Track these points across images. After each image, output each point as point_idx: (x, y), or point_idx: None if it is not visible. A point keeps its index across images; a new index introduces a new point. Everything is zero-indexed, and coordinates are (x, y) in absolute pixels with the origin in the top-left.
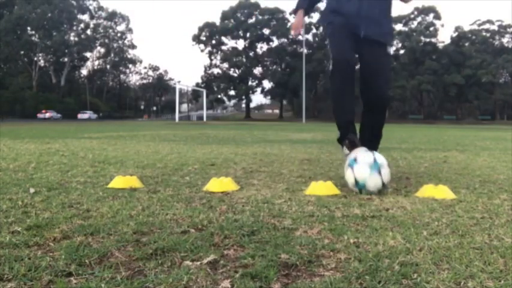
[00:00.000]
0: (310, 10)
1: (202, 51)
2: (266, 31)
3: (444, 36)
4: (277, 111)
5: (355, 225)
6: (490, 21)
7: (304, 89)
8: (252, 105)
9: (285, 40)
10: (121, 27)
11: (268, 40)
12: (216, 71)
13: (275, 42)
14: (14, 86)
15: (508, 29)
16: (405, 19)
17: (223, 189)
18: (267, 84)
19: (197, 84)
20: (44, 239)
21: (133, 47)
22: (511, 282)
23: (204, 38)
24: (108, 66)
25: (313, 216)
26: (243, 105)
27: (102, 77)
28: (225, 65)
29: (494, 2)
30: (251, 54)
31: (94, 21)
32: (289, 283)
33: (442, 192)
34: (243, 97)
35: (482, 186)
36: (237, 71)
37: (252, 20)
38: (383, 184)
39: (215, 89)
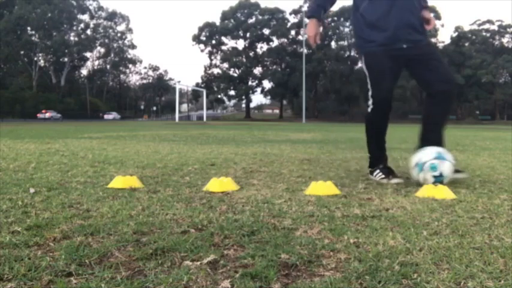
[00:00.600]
0: (324, 17)
1: (202, 51)
2: (266, 31)
3: (444, 36)
4: (277, 111)
5: (355, 225)
6: (490, 21)
7: (304, 89)
8: (252, 105)
9: (285, 40)
10: (121, 27)
11: (268, 40)
12: (216, 71)
13: (275, 42)
14: (14, 86)
15: (508, 29)
16: None
17: (223, 189)
18: (267, 84)
19: (197, 84)
20: (44, 239)
21: (133, 47)
22: (511, 282)
23: (204, 38)
24: (108, 66)
25: (313, 216)
26: (243, 105)
27: (102, 77)
28: (225, 65)
29: (494, 2)
30: (251, 54)
31: (94, 21)
32: (289, 283)
33: (442, 192)
34: (243, 97)
35: (482, 186)
36: (237, 71)
37: (252, 20)
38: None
39: (215, 89)
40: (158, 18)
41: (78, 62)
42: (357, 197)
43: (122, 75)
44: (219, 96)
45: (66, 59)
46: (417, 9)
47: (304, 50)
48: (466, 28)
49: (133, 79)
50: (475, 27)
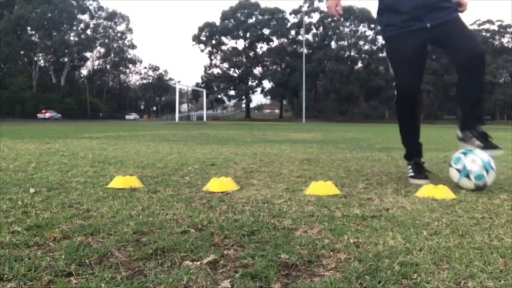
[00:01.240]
0: None
1: (202, 51)
2: (266, 31)
3: None
4: (277, 111)
5: (355, 225)
6: (490, 21)
7: (304, 89)
8: (252, 105)
9: (285, 40)
10: (121, 27)
11: (268, 40)
12: (216, 71)
13: (275, 42)
14: (14, 86)
15: (508, 29)
16: None
17: (223, 189)
18: (267, 84)
19: (197, 84)
20: (44, 239)
21: (133, 47)
22: (511, 282)
23: (204, 38)
24: (108, 66)
25: (313, 216)
26: (243, 105)
27: (102, 77)
28: (225, 65)
29: (494, 2)
30: (251, 54)
31: (94, 21)
32: (289, 283)
33: (442, 192)
34: (243, 97)
35: None
36: (237, 71)
37: (252, 20)
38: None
39: (215, 89)
40: (158, 18)
41: (78, 62)
42: (357, 197)
43: (122, 75)
44: (219, 96)
45: (66, 59)
46: None
47: (304, 50)
48: None
49: (133, 79)
50: (475, 27)
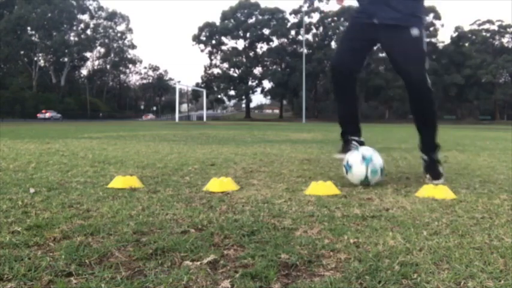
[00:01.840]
0: None
1: (202, 51)
2: (266, 31)
3: (444, 36)
4: (277, 111)
5: (355, 225)
6: (490, 21)
7: (304, 89)
8: (252, 105)
9: (285, 40)
10: (121, 27)
11: (268, 40)
12: (216, 71)
13: (275, 42)
14: (14, 86)
15: (508, 29)
16: None
17: (223, 189)
18: (267, 84)
19: (197, 84)
20: (44, 239)
21: (133, 47)
22: (511, 282)
23: (204, 38)
24: (108, 66)
25: (313, 216)
26: (243, 105)
27: (102, 77)
28: (225, 65)
29: (494, 2)
30: (251, 54)
31: (94, 21)
32: (289, 283)
33: (442, 192)
34: (243, 97)
35: (482, 186)
36: (237, 71)
37: (252, 20)
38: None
39: (215, 89)
40: (158, 18)
41: (78, 62)
42: (357, 197)
43: (122, 75)
44: (219, 96)
45: (66, 59)
46: None
47: (304, 50)
48: (466, 28)
49: (133, 79)
50: (475, 27)
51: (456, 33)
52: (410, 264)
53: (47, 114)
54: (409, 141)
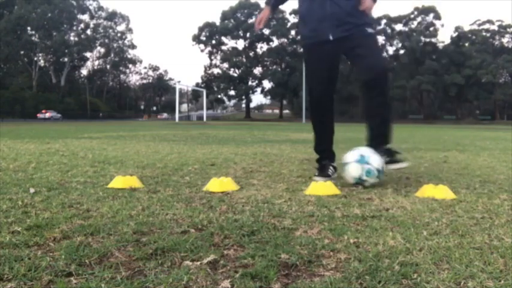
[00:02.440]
0: (276, 8)
1: (202, 51)
2: (266, 31)
3: (444, 36)
4: (277, 111)
5: (355, 225)
6: (490, 21)
7: (304, 89)
8: (252, 105)
9: (285, 40)
10: (121, 27)
11: (268, 40)
12: (216, 71)
13: (275, 42)
14: (14, 86)
15: (508, 29)
16: (405, 19)
17: (223, 189)
18: (267, 84)
19: (197, 84)
20: (44, 239)
21: (133, 47)
22: (511, 282)
23: (204, 38)
24: (108, 66)
25: (313, 216)
26: (243, 105)
27: (102, 77)
28: (225, 65)
29: (494, 2)
30: (251, 54)
31: (94, 21)
32: (289, 283)
33: (442, 192)
34: (243, 97)
35: (482, 186)
36: (237, 71)
37: (252, 20)
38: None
39: (215, 89)
40: (158, 18)
41: (78, 62)
42: (357, 197)
43: (121, 75)
44: (219, 96)
45: (66, 59)
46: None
47: None
48: (466, 28)
49: (133, 79)
50: (475, 27)
51: (456, 33)
52: (410, 264)
53: (47, 114)
54: (409, 141)
